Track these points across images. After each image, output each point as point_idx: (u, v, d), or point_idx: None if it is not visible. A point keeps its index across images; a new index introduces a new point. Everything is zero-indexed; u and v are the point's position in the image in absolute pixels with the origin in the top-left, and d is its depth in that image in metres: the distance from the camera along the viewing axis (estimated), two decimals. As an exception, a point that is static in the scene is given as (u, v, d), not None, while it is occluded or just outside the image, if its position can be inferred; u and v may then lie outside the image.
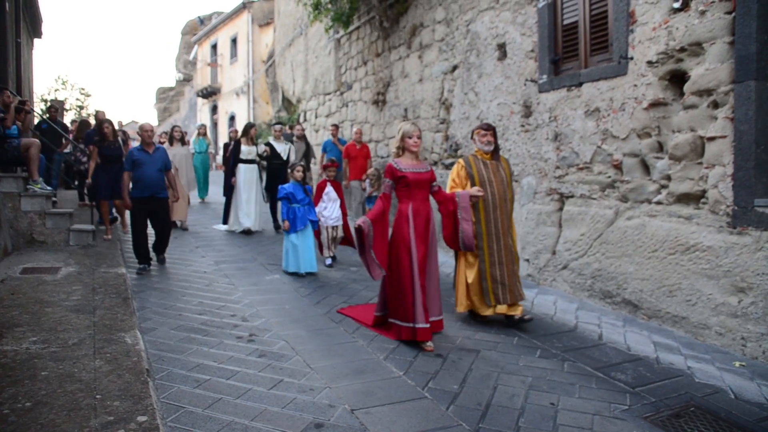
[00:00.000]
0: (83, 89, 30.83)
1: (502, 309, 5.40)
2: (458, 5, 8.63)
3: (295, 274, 7.43)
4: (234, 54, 28.16)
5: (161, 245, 7.89)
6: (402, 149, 5.12)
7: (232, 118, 27.84)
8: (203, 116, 32.19)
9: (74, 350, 4.31)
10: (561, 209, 6.78)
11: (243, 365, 4.41)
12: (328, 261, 8.11)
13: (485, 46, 8.01)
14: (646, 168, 5.71)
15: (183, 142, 12.14)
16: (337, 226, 8.05)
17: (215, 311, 5.80)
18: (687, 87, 5.23)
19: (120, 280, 6.41)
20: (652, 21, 5.52)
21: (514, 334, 5.30)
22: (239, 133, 11.50)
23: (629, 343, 5.07)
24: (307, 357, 4.63)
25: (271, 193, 10.57)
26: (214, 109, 31.27)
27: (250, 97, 26.19)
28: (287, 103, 20.03)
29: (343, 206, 8.13)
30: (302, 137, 11.97)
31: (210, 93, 30.53)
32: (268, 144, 10.63)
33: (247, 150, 10.46)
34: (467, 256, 5.47)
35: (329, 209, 7.99)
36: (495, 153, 5.58)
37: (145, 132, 7.65)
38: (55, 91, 29.12)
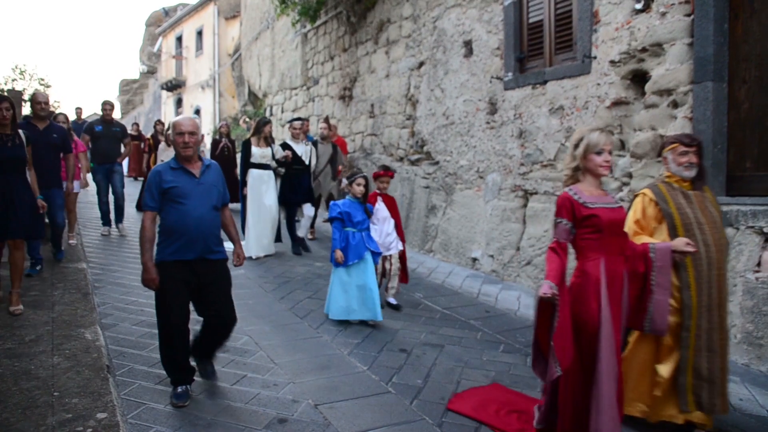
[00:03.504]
0: (42, 79, 29.98)
1: (698, 418, 3.48)
2: (425, 2, 8.65)
3: (346, 323, 5.41)
4: (199, 47, 27.75)
5: (213, 343, 4.05)
6: (580, 171, 3.23)
7: (197, 112, 27.45)
8: (168, 109, 31.68)
9: (31, 347, 4.22)
10: (525, 206, 6.86)
11: (206, 361, 4.36)
12: (390, 300, 6.05)
13: (452, 43, 8.05)
14: (608, 166, 5.80)
15: None
16: (390, 255, 6.01)
17: (178, 307, 5.71)
18: (648, 87, 5.34)
19: (80, 275, 6.28)
20: (615, 21, 5.62)
21: (477, 330, 5.35)
22: (241, 131, 9.99)
23: (590, 337, 5.15)
24: (271, 352, 4.60)
25: (287, 206, 8.53)
26: (178, 103, 30.79)
27: (215, 91, 25.84)
28: (253, 98, 19.84)
29: (399, 228, 6.10)
30: (328, 137, 9.25)
31: (175, 86, 30.04)
32: (287, 146, 8.35)
33: (260, 152, 8.10)
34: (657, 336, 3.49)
35: (379, 232, 5.91)
36: (698, 179, 3.64)
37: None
38: (12, 81, 28.31)
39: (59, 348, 4.18)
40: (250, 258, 7.81)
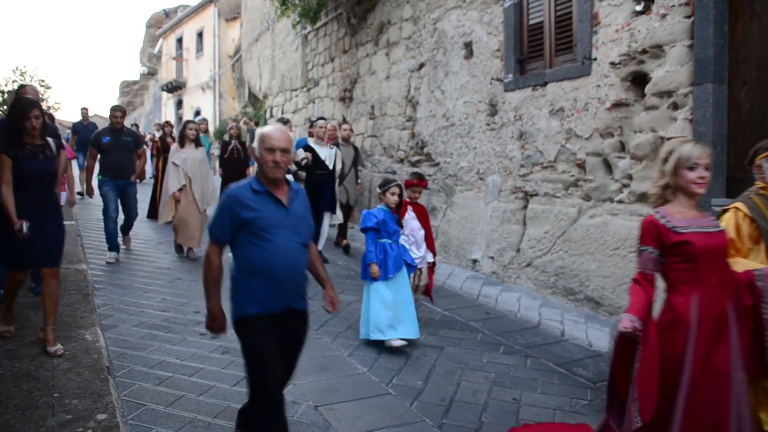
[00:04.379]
0: (43, 81, 30.07)
1: None
2: (425, 3, 8.65)
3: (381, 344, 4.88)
4: (200, 48, 27.77)
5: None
6: (670, 190, 2.80)
7: (197, 114, 27.47)
8: (168, 111, 31.70)
9: (31, 348, 4.22)
10: (525, 207, 6.86)
11: (206, 362, 4.37)
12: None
13: (452, 45, 8.05)
14: (608, 167, 5.81)
15: (198, 143, 8.37)
16: (420, 269, 5.61)
17: (178, 308, 5.72)
18: (648, 88, 5.34)
19: (80, 276, 6.28)
20: (615, 23, 5.62)
21: (477, 331, 5.35)
22: (242, 132, 9.15)
23: (591, 339, 5.16)
24: (272, 354, 4.59)
25: (312, 213, 8.41)
26: (179, 104, 30.80)
27: (216, 92, 25.87)
28: (254, 99, 19.84)
29: (429, 239, 5.71)
30: (349, 139, 8.75)
31: (175, 87, 30.07)
32: (308, 148, 7.85)
33: None
34: None
35: (409, 243, 5.50)
36: None
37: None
38: (13, 82, 28.34)
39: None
40: None
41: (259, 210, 2.83)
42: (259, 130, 2.90)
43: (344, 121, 8.98)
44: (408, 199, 5.56)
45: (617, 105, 5.63)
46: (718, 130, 4.81)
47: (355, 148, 8.87)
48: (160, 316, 5.44)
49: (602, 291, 5.74)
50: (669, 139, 5.09)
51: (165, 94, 32.25)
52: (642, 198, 5.41)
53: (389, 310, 4.81)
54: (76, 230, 8.71)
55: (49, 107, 28.02)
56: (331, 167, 7.89)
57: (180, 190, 7.89)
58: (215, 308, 2.94)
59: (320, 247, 7.92)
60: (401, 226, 5.25)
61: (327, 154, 7.89)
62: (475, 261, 7.56)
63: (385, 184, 5.09)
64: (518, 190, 6.95)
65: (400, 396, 3.93)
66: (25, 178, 4.15)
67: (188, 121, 8.60)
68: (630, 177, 5.53)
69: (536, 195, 6.70)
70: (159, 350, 4.57)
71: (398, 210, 5.15)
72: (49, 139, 4.42)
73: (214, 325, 2.97)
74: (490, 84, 7.34)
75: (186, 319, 5.36)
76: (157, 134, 14.06)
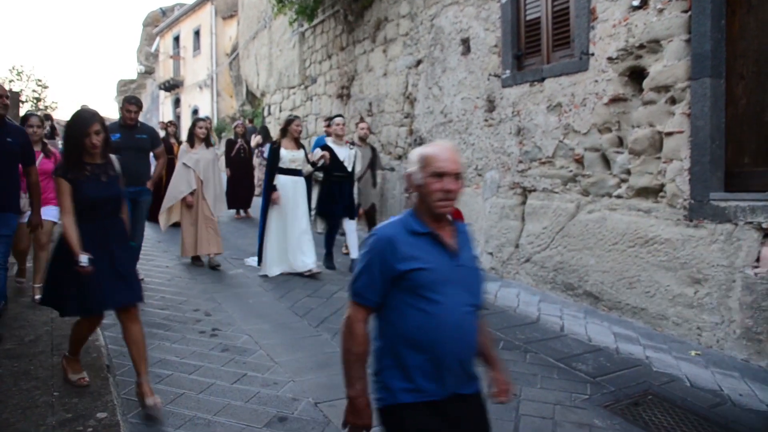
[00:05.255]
0: (40, 80, 30.03)
1: None
2: (422, 0, 8.65)
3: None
4: (197, 46, 27.72)
5: None
6: None
7: (195, 112, 27.43)
8: (166, 110, 31.67)
9: (30, 347, 4.22)
10: (524, 203, 6.86)
11: (206, 360, 4.38)
12: None
13: (449, 41, 8.05)
14: (606, 162, 5.81)
15: (209, 143, 7.66)
16: None
17: (178, 306, 5.72)
18: (646, 83, 5.34)
19: (79, 275, 6.26)
20: (612, 18, 5.62)
21: (477, 327, 5.35)
22: (276, 131, 8.25)
23: (590, 334, 5.16)
24: (271, 351, 4.60)
25: (327, 218, 7.56)
26: (176, 103, 30.76)
27: (213, 91, 25.83)
28: (251, 97, 19.83)
29: None
30: (366, 138, 8.23)
31: (172, 86, 30.02)
32: (326, 148, 7.31)
33: (289, 156, 7.01)
34: None
35: None
36: None
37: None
38: (10, 82, 28.29)
39: (59, 348, 4.18)
40: (266, 276, 6.99)
41: (423, 259, 2.07)
42: (418, 150, 2.17)
43: (361, 119, 8.58)
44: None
45: (615, 100, 5.63)
46: (716, 125, 4.81)
47: (373, 149, 8.35)
48: (159, 314, 5.44)
49: (601, 286, 5.75)
50: (668, 134, 5.11)
51: (162, 93, 32.22)
52: (640, 193, 5.41)
53: None
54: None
55: (46, 107, 27.99)
56: (350, 169, 7.38)
57: (191, 194, 7.22)
58: (360, 397, 2.13)
59: (354, 255, 7.34)
60: None
61: (346, 154, 7.37)
62: (473, 257, 7.55)
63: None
64: (516, 185, 6.95)
65: (400, 392, 3.93)
66: (87, 205, 3.53)
67: (198, 119, 7.73)
68: (628, 172, 5.53)
69: (534, 191, 6.70)
70: (158, 348, 4.57)
71: None
72: (112, 156, 3.81)
73: (358, 420, 2.14)
74: (487, 80, 7.33)
75: (185, 317, 5.37)
76: (161, 133, 13.82)
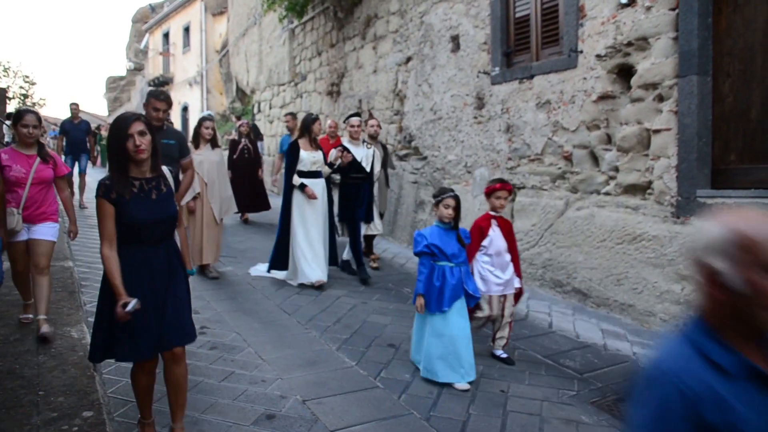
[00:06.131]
0: (27, 77, 29.83)
1: None
2: (412, -3, 8.64)
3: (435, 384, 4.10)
4: (187, 43, 27.59)
5: None
6: None
7: (185, 109, 27.32)
8: (155, 106, 31.49)
9: (16, 346, 4.18)
10: (513, 200, 6.88)
11: (193, 357, 4.35)
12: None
13: (439, 38, 8.04)
14: (595, 159, 5.83)
15: (215, 143, 7.03)
16: (505, 296, 4.58)
17: (166, 304, 5.69)
18: (634, 80, 5.36)
19: (66, 273, 6.23)
20: (600, 15, 5.63)
21: (466, 324, 5.36)
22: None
23: (578, 330, 5.18)
24: (259, 348, 4.59)
25: (348, 223, 7.04)
26: (166, 100, 30.62)
27: (203, 88, 25.71)
28: (241, 94, 19.75)
29: (515, 261, 4.68)
30: (377, 137, 7.70)
31: (162, 83, 29.86)
32: (344, 148, 6.80)
33: (309, 158, 6.52)
34: None
35: (494, 265, 4.56)
36: None
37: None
38: (-3, 78, 28.07)
39: (44, 347, 4.15)
40: (310, 285, 6.40)
41: (749, 420, 1.26)
42: (723, 227, 1.39)
43: (371, 116, 8.21)
44: (491, 212, 4.60)
45: (603, 97, 5.64)
46: (703, 122, 4.84)
47: (384, 148, 7.84)
48: (147, 312, 5.40)
49: (590, 283, 5.77)
50: (655, 131, 5.14)
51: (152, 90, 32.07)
52: (628, 190, 5.43)
53: (444, 348, 4.06)
54: (63, 228, 8.61)
55: (34, 104, 27.78)
56: (368, 169, 6.96)
57: (194, 198, 6.61)
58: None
59: (346, 258, 7.15)
60: (463, 245, 4.27)
61: (363, 155, 6.91)
62: (463, 254, 7.56)
63: (439, 195, 4.24)
64: (506, 183, 6.95)
65: (388, 389, 3.94)
66: (134, 229, 2.97)
67: (204, 118, 7.07)
68: (616, 169, 5.55)
69: (523, 188, 6.71)
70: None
71: (456, 225, 4.25)
72: (165, 168, 3.19)
73: None
74: (477, 77, 7.34)
75: (173, 315, 5.34)
76: None
